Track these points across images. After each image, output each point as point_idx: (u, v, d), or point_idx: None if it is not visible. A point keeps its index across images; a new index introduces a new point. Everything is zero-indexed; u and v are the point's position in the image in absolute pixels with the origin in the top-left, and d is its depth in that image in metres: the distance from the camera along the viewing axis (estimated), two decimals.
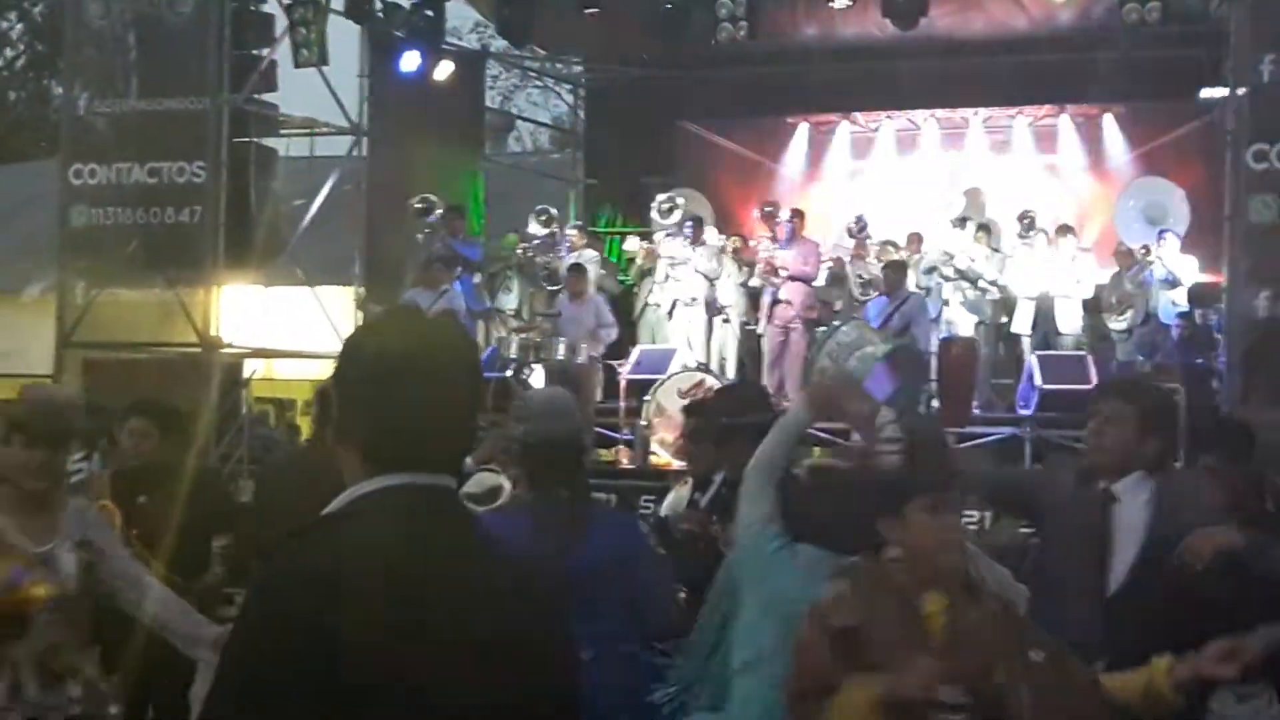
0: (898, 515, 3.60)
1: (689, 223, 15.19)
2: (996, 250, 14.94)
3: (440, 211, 15.49)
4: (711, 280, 14.94)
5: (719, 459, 5.63)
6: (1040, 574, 4.78)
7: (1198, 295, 14.10)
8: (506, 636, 2.13)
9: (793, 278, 14.57)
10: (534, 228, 16.13)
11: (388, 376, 2.18)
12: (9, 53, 36.86)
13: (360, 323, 13.51)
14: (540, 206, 16.47)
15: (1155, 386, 6.01)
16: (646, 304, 15.42)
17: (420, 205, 15.48)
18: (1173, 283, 14.25)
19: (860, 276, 15.10)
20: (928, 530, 3.58)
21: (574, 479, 4.70)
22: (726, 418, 5.49)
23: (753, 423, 5.39)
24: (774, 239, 14.83)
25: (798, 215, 14.99)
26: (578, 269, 14.97)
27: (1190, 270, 14.27)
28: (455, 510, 2.26)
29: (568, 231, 16.21)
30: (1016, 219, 15.39)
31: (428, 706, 2.02)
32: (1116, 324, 14.55)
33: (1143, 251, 14.87)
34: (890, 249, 15.36)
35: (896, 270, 14.07)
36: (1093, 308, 14.73)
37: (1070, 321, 14.43)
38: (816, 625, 3.60)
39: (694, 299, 14.86)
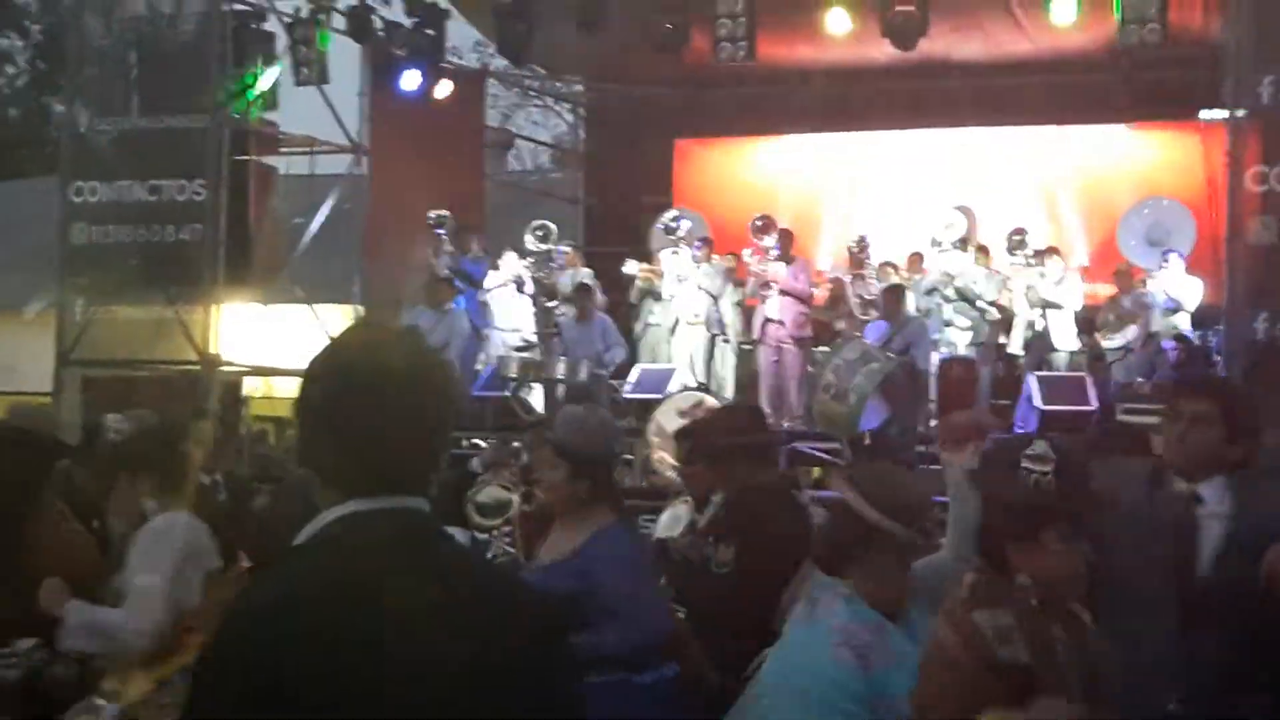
0: (1032, 541, 3.31)
1: (697, 242, 15.14)
2: (997, 272, 14.89)
3: (452, 227, 15.52)
4: (715, 298, 14.88)
5: (715, 479, 5.61)
6: (1108, 591, 3.91)
7: (1199, 317, 14.07)
8: (480, 664, 2.03)
9: (784, 292, 14.41)
10: (530, 244, 16.07)
11: (348, 398, 2.09)
12: (10, 70, 36.94)
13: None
14: (537, 222, 16.19)
15: (1239, 385, 5.58)
16: (648, 324, 15.40)
17: (434, 219, 15.55)
18: (1174, 309, 14.14)
19: (860, 297, 15.07)
20: (1063, 558, 3.31)
21: (619, 494, 4.79)
22: (721, 438, 5.49)
23: (746, 443, 5.40)
24: (765, 252, 14.65)
25: (786, 236, 14.76)
26: (584, 289, 14.89)
27: (1194, 293, 14.18)
28: (424, 534, 2.14)
29: (561, 249, 16.10)
30: (1006, 237, 15.37)
31: None
32: (1110, 342, 14.44)
33: (1140, 282, 14.79)
34: (890, 270, 15.33)
35: (895, 294, 13.97)
36: (1087, 327, 14.68)
37: (1064, 341, 14.39)
38: (976, 652, 3.17)
39: (697, 315, 14.80)
